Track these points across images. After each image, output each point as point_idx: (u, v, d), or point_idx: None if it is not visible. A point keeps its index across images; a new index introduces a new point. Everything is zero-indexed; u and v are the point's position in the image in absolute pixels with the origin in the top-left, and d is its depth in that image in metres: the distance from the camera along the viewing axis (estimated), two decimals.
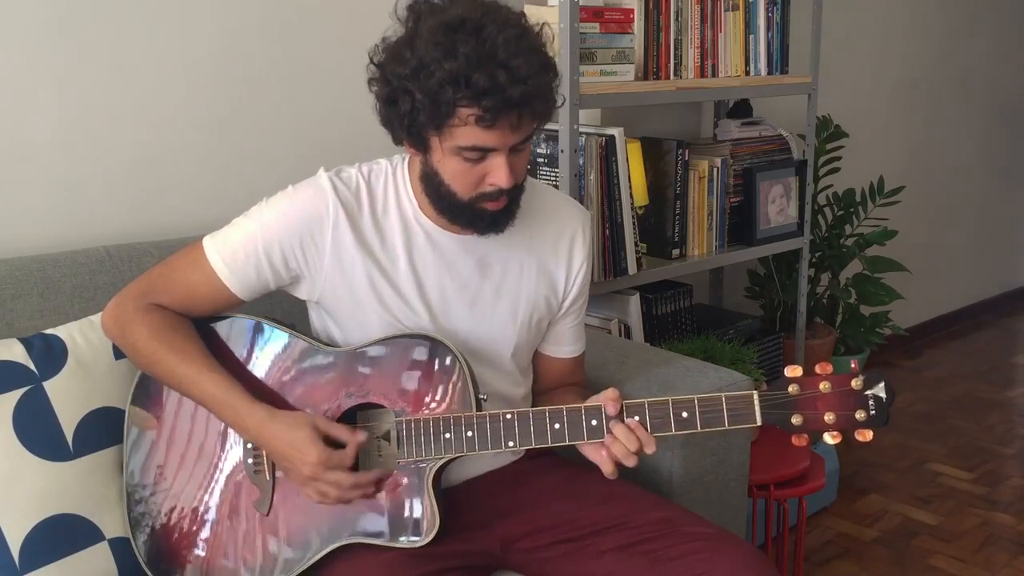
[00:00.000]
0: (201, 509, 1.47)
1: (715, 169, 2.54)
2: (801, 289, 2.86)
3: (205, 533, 1.46)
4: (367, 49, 1.39)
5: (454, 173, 1.37)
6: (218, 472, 1.47)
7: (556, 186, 2.18)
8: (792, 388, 1.33)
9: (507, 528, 1.50)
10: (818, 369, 1.34)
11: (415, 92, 1.30)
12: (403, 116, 1.34)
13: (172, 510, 1.48)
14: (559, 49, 2.07)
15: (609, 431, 1.37)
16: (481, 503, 1.52)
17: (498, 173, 1.35)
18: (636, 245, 2.32)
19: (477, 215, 1.41)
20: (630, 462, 1.38)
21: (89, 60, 1.82)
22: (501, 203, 1.40)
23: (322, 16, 2.13)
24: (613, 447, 1.37)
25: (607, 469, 1.39)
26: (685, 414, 1.36)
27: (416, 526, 1.39)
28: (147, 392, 1.51)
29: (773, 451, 2.23)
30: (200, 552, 1.46)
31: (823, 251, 3.17)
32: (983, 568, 2.56)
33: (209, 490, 1.47)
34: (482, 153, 1.34)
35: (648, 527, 1.45)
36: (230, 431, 1.46)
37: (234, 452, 1.47)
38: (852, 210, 3.23)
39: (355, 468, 1.39)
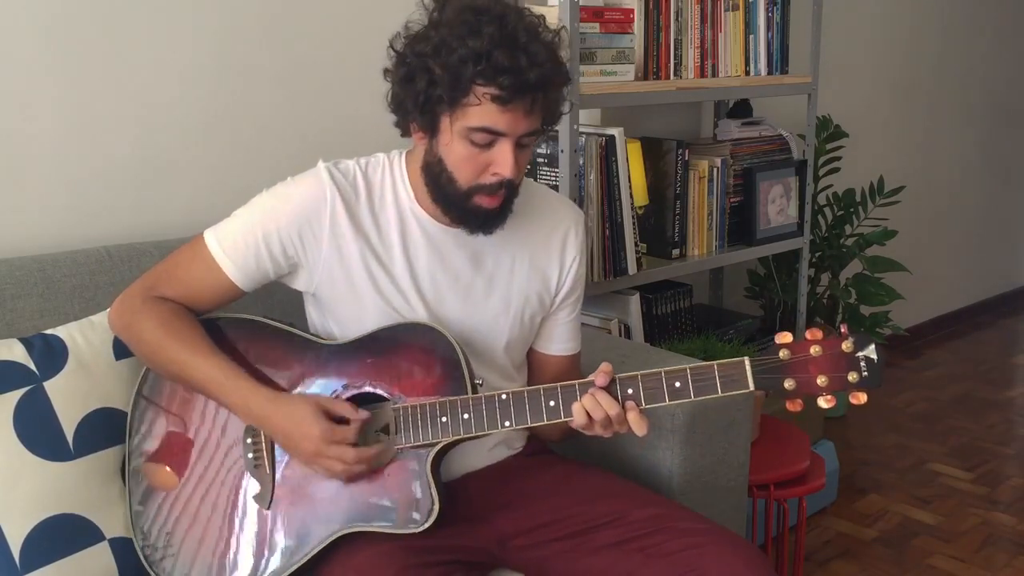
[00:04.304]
0: (209, 515, 1.47)
1: (715, 169, 2.54)
2: (801, 289, 2.86)
3: (212, 536, 1.46)
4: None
5: (458, 159, 1.38)
6: (226, 499, 1.47)
7: (556, 186, 2.18)
8: (783, 353, 1.33)
9: (503, 524, 1.51)
10: (808, 335, 1.34)
11: (435, 68, 1.33)
12: (419, 94, 1.36)
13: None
14: None
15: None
16: (478, 498, 1.53)
17: (503, 161, 1.37)
18: (636, 245, 2.32)
19: (471, 211, 1.42)
20: (602, 431, 1.37)
21: (89, 60, 1.82)
22: (496, 200, 1.41)
23: (321, 17, 2.12)
24: (587, 406, 1.36)
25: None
26: (678, 384, 1.35)
27: (417, 512, 1.39)
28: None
29: (773, 451, 2.23)
30: (207, 551, 1.46)
31: (823, 251, 3.17)
32: (983, 568, 2.56)
33: (220, 517, 1.47)
34: (490, 138, 1.36)
35: (643, 523, 1.46)
36: (228, 453, 1.47)
37: (239, 471, 1.47)
38: (852, 210, 3.23)
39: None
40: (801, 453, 2.23)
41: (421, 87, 1.35)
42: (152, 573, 1.48)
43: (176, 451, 1.50)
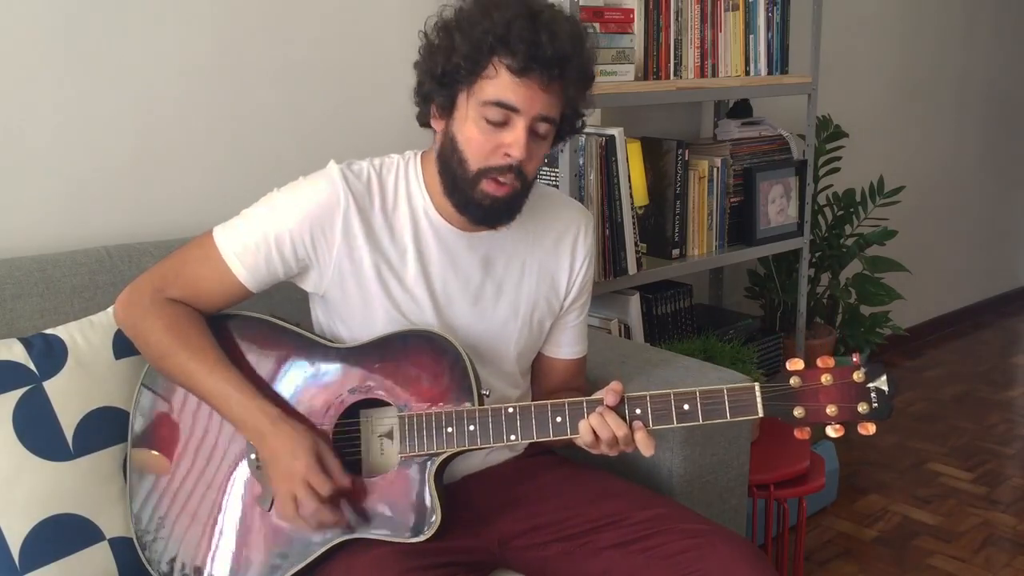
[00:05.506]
0: (208, 520, 1.46)
1: (715, 169, 2.54)
2: (801, 289, 2.86)
3: (211, 538, 1.46)
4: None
5: (471, 138, 1.38)
6: (225, 492, 1.47)
7: (556, 186, 2.18)
8: (794, 381, 1.33)
9: (504, 525, 1.51)
10: (819, 363, 1.33)
11: (457, 40, 1.35)
12: (440, 67, 1.37)
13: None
14: None
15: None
16: (479, 500, 1.52)
17: (515, 141, 1.36)
18: (636, 245, 2.32)
19: (476, 198, 1.40)
20: (608, 450, 1.38)
21: (89, 60, 1.82)
22: (504, 189, 1.39)
23: (323, 17, 2.12)
24: (595, 425, 1.37)
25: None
26: (687, 407, 1.35)
27: (417, 521, 1.39)
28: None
29: (773, 451, 2.22)
30: (206, 552, 1.45)
31: (823, 251, 3.17)
32: (983, 568, 2.56)
33: (217, 510, 1.47)
34: (504, 115, 1.35)
35: (643, 524, 1.46)
36: (231, 447, 1.47)
37: (240, 467, 1.47)
38: (852, 210, 3.22)
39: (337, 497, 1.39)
40: (801, 453, 2.23)
41: (442, 60, 1.37)
42: (143, 556, 1.47)
43: (168, 437, 1.49)
